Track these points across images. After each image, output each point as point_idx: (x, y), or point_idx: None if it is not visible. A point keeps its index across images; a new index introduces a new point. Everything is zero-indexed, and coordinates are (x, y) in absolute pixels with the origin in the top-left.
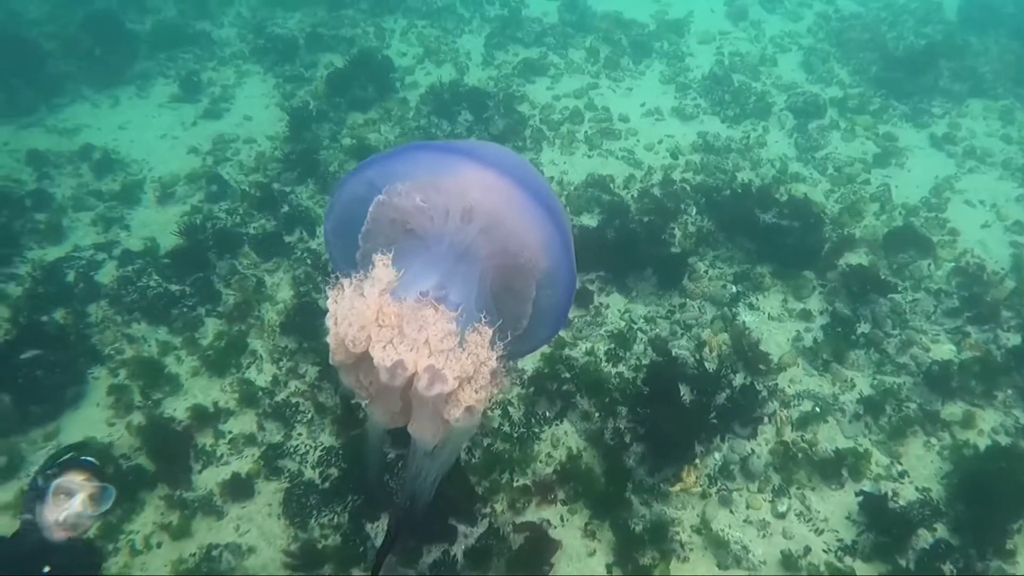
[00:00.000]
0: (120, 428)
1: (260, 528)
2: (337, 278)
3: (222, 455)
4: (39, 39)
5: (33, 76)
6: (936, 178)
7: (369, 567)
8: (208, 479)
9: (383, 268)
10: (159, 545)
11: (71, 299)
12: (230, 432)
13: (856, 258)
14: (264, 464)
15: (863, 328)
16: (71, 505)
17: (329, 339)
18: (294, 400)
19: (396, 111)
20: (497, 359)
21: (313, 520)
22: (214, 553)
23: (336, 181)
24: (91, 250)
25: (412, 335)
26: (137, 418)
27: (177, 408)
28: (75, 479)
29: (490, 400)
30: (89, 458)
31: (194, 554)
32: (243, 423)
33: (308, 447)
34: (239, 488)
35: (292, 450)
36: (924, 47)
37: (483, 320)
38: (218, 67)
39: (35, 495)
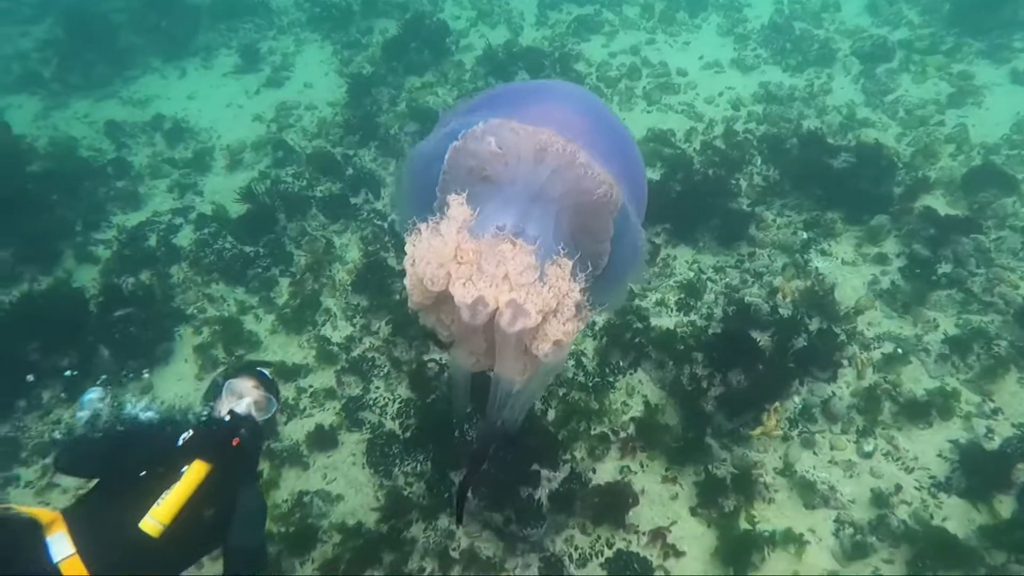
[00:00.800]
0: (208, 382)
1: (346, 477)
2: (414, 224)
3: (304, 408)
4: (109, 14)
5: (106, 50)
6: (1018, 114)
7: (453, 514)
8: (293, 431)
9: (458, 206)
10: None
11: (154, 261)
12: (310, 387)
13: (932, 200)
14: (345, 416)
15: (944, 268)
16: (239, 404)
17: (407, 281)
18: (370, 355)
19: (452, 74)
20: (580, 291)
21: (397, 469)
22: (305, 499)
23: (396, 143)
24: (169, 215)
25: (491, 271)
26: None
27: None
28: (247, 384)
29: (575, 333)
30: (265, 371)
31: (286, 500)
32: (322, 378)
33: (387, 399)
34: (324, 439)
35: (371, 403)
36: None
37: (562, 253)
38: (277, 36)
39: (214, 391)
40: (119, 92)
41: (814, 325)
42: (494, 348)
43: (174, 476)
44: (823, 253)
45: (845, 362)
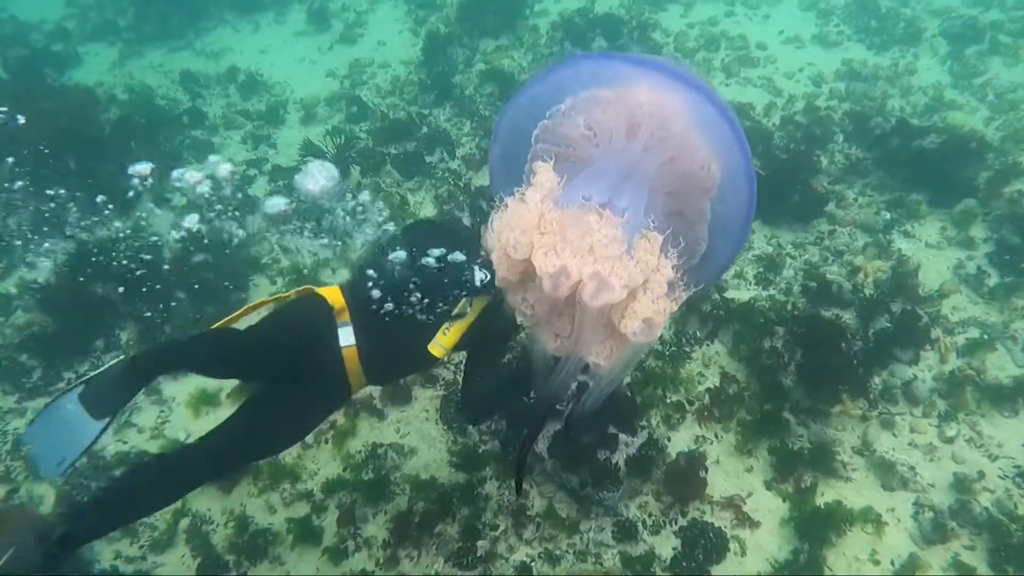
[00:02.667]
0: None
1: (419, 431)
2: (501, 199)
3: None
4: None
5: (180, 1)
6: None
7: (531, 472)
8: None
9: (545, 173)
10: (327, 441)
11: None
12: None
13: (1022, 186)
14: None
15: None
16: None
17: (493, 254)
18: None
19: (528, 38)
20: (672, 268)
21: (471, 426)
22: (379, 451)
23: (473, 104)
24: (243, 166)
25: (576, 242)
26: None
27: None
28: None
29: (668, 315)
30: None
31: (360, 451)
32: None
33: (462, 356)
34: (398, 394)
35: (447, 360)
36: None
37: (651, 227)
38: None
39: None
40: (193, 43)
41: (896, 307)
42: (579, 330)
43: (461, 308)
44: (906, 235)
45: (928, 345)
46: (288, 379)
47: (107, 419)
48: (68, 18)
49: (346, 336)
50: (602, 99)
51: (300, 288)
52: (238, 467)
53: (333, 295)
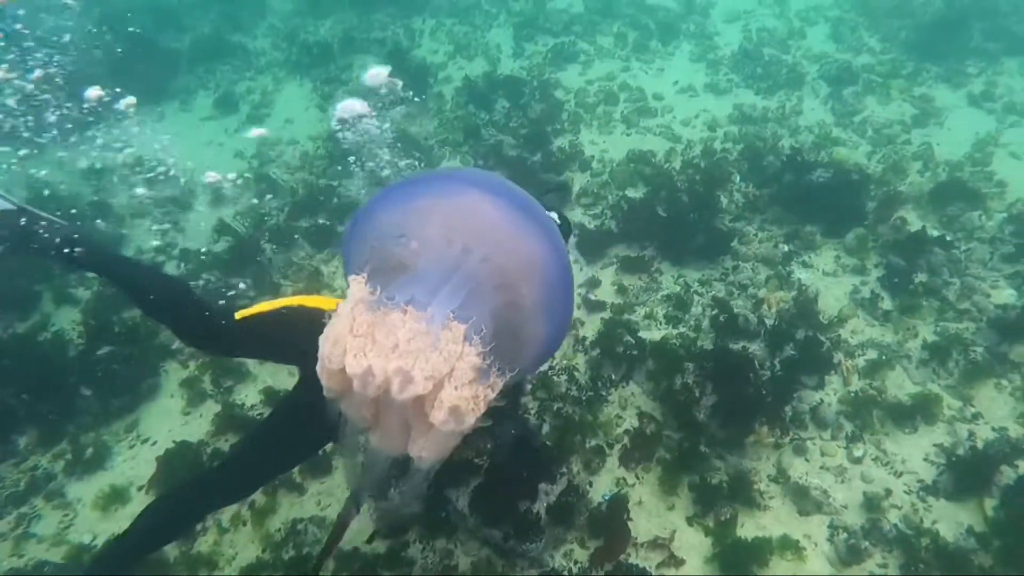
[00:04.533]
0: (196, 416)
1: (340, 501)
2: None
3: None
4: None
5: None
6: (977, 134)
7: (451, 533)
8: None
9: (356, 284)
10: (244, 523)
11: None
12: None
13: (904, 214)
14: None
15: (920, 278)
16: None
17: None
18: None
19: (433, 104)
20: (478, 355)
21: (393, 490)
22: (299, 527)
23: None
24: (152, 252)
25: (383, 341)
26: (212, 407)
27: (248, 394)
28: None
29: (484, 400)
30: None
31: (279, 529)
32: None
33: None
34: (317, 465)
35: None
36: (953, 9)
37: (451, 317)
38: (255, 76)
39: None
40: (96, 138)
41: (800, 334)
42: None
43: None
44: (804, 264)
45: (832, 369)
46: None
47: None
48: None
49: None
50: (418, 213)
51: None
52: (265, 481)
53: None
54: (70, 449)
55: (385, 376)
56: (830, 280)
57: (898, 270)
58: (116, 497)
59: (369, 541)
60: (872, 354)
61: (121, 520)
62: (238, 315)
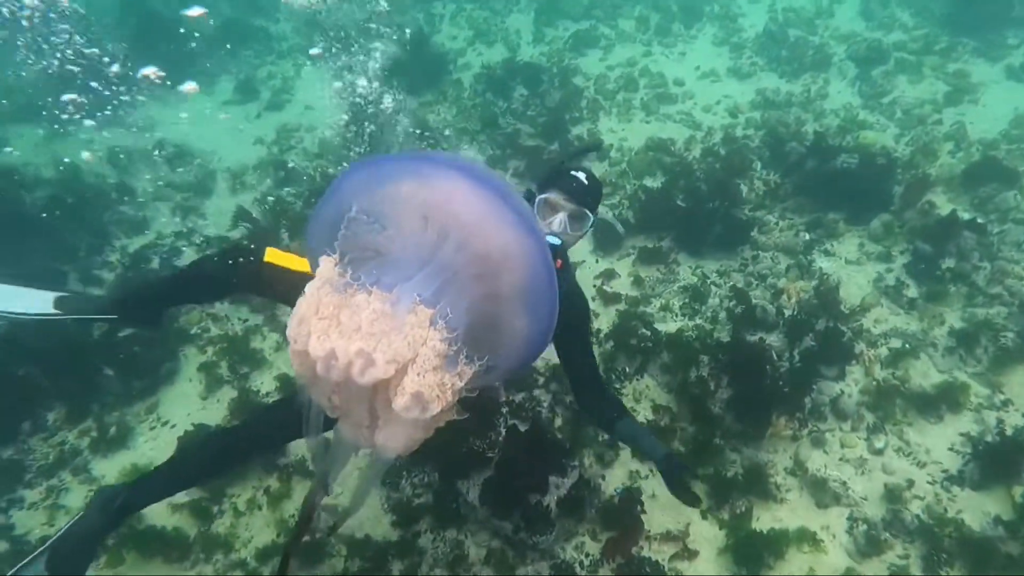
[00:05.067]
0: (213, 401)
1: (351, 490)
2: None
3: None
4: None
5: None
6: (1016, 110)
7: (461, 524)
8: (300, 445)
9: (325, 263)
10: (260, 507)
11: None
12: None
13: (934, 197)
14: None
15: (948, 263)
16: (555, 220)
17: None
18: None
19: (451, 92)
20: (443, 341)
21: (404, 480)
22: (313, 514)
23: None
24: (172, 237)
25: (347, 322)
26: (228, 392)
27: (264, 380)
28: (560, 198)
29: (451, 390)
30: (580, 175)
31: (293, 515)
32: None
33: None
34: None
35: None
36: None
37: (418, 300)
38: (276, 61)
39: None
40: (123, 119)
41: (820, 325)
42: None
43: None
44: (826, 253)
45: (853, 360)
46: None
47: None
48: None
49: None
50: (390, 197)
51: None
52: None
53: None
54: (95, 427)
55: (347, 358)
56: (853, 268)
57: (925, 256)
58: (137, 475)
59: (330, 533)
60: (896, 343)
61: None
62: (267, 256)
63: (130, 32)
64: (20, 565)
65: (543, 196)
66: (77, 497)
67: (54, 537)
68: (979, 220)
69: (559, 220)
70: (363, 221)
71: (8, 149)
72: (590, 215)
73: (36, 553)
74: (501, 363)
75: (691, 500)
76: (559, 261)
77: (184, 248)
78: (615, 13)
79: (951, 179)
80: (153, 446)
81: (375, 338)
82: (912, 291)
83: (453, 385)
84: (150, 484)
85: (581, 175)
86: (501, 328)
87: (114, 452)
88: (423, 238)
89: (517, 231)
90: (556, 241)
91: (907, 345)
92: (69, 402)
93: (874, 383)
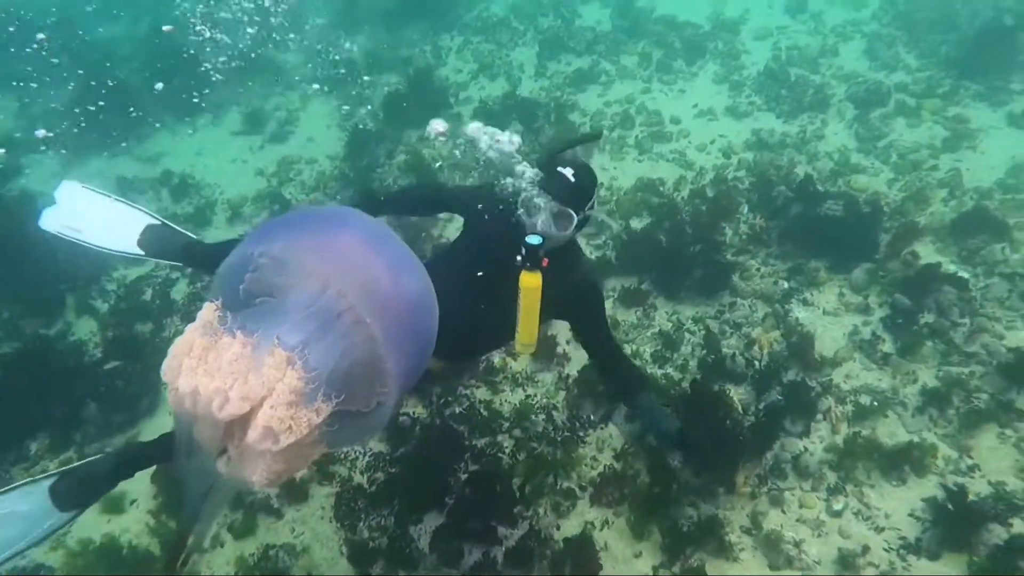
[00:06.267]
0: None
1: (313, 530)
2: None
3: None
4: (129, 76)
5: (122, 108)
6: (1014, 158)
7: (415, 568)
8: None
9: (206, 309)
10: (223, 544)
11: (149, 315)
12: None
13: (921, 247)
14: (317, 470)
15: (927, 318)
16: (538, 219)
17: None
18: None
19: (451, 126)
20: (299, 379)
21: (362, 523)
22: (271, 553)
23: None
24: (167, 269)
25: (212, 362)
26: None
27: None
28: (542, 198)
29: (307, 424)
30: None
31: (253, 553)
32: None
33: (357, 453)
34: (295, 492)
35: (342, 456)
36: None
37: (276, 342)
38: (284, 92)
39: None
40: (132, 150)
41: (789, 378)
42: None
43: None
44: (805, 303)
45: (819, 416)
46: None
47: (73, 512)
48: (16, 130)
49: None
50: (287, 247)
51: None
52: None
53: None
54: (76, 458)
55: (208, 395)
56: (830, 320)
57: (903, 310)
58: (112, 507)
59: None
60: (865, 400)
61: (114, 529)
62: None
63: (145, 62)
64: (28, 480)
65: (528, 194)
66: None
67: (67, 467)
68: (964, 273)
69: (541, 220)
70: (264, 266)
71: (27, 171)
72: (573, 215)
73: (44, 475)
74: (369, 398)
75: (705, 467)
76: (545, 260)
77: (178, 278)
78: (618, 49)
79: (940, 228)
80: (129, 480)
81: (233, 376)
82: (887, 346)
83: (309, 420)
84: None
85: (568, 172)
86: (376, 369)
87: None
88: (310, 287)
89: (392, 280)
90: (536, 240)
91: (876, 403)
92: (52, 431)
93: (839, 441)
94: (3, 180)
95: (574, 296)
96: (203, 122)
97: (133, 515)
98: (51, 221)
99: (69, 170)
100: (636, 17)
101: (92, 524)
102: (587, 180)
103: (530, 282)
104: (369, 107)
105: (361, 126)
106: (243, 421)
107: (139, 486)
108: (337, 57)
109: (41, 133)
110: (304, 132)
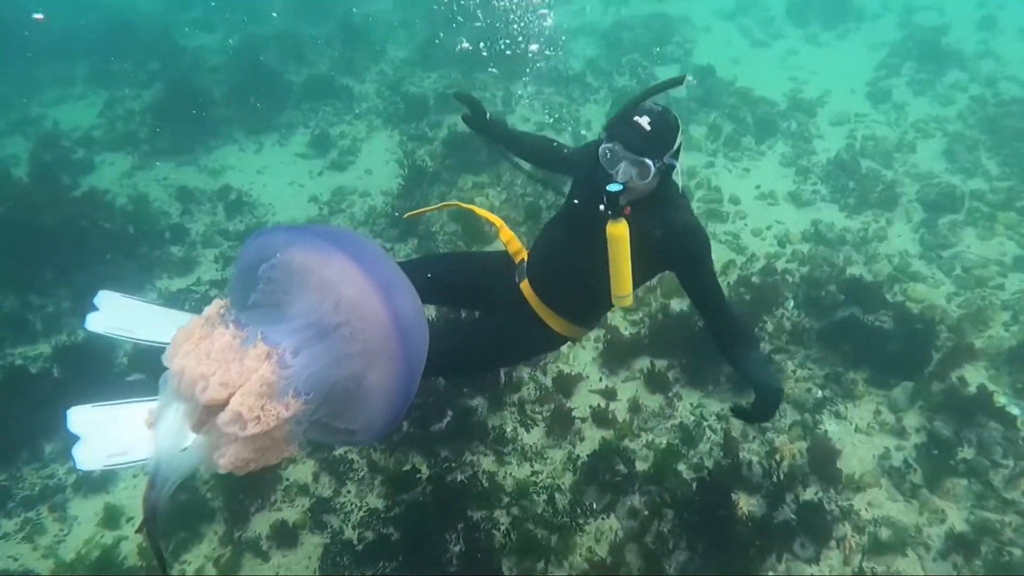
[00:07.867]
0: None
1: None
2: None
3: (275, 501)
4: (212, 86)
5: (197, 119)
6: None
7: None
8: (259, 522)
9: (212, 305)
10: None
11: None
12: (287, 479)
13: (973, 372)
14: (311, 516)
15: (966, 453)
16: (619, 169)
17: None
18: (350, 456)
19: (507, 176)
20: (273, 373)
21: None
22: None
23: (433, 241)
24: (207, 285)
25: (204, 350)
26: None
27: None
28: (619, 147)
29: (275, 416)
30: (642, 120)
31: None
32: (301, 471)
33: (353, 506)
34: (285, 536)
35: (339, 507)
36: None
37: (260, 337)
38: (353, 121)
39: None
40: (199, 159)
41: (806, 496)
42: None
43: None
44: (837, 416)
45: (833, 542)
46: (493, 312)
47: None
48: (97, 127)
49: (521, 272)
50: (295, 260)
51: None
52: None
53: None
54: None
55: (193, 378)
56: (861, 439)
57: (941, 440)
58: (108, 522)
59: (138, 531)
60: (885, 533)
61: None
62: (406, 216)
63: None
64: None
65: (607, 145)
66: (47, 535)
67: None
68: (1015, 410)
69: (622, 169)
70: (274, 276)
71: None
72: (650, 165)
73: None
74: (364, 416)
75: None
76: (627, 208)
77: (214, 295)
78: (689, 118)
79: (997, 355)
80: (130, 494)
81: (217, 364)
82: (918, 477)
83: (278, 413)
84: None
85: (644, 120)
86: (364, 384)
87: (95, 494)
88: (311, 298)
89: (387, 301)
90: (616, 188)
91: (897, 538)
92: (67, 435)
93: (850, 574)
94: (77, 178)
95: (673, 244)
96: (270, 141)
97: (127, 531)
98: (97, 324)
99: (137, 172)
100: (712, 87)
101: (86, 537)
102: (663, 126)
103: (615, 231)
104: (430, 145)
105: (420, 163)
106: (223, 407)
107: (136, 504)
108: (412, 90)
109: None
110: (364, 163)
